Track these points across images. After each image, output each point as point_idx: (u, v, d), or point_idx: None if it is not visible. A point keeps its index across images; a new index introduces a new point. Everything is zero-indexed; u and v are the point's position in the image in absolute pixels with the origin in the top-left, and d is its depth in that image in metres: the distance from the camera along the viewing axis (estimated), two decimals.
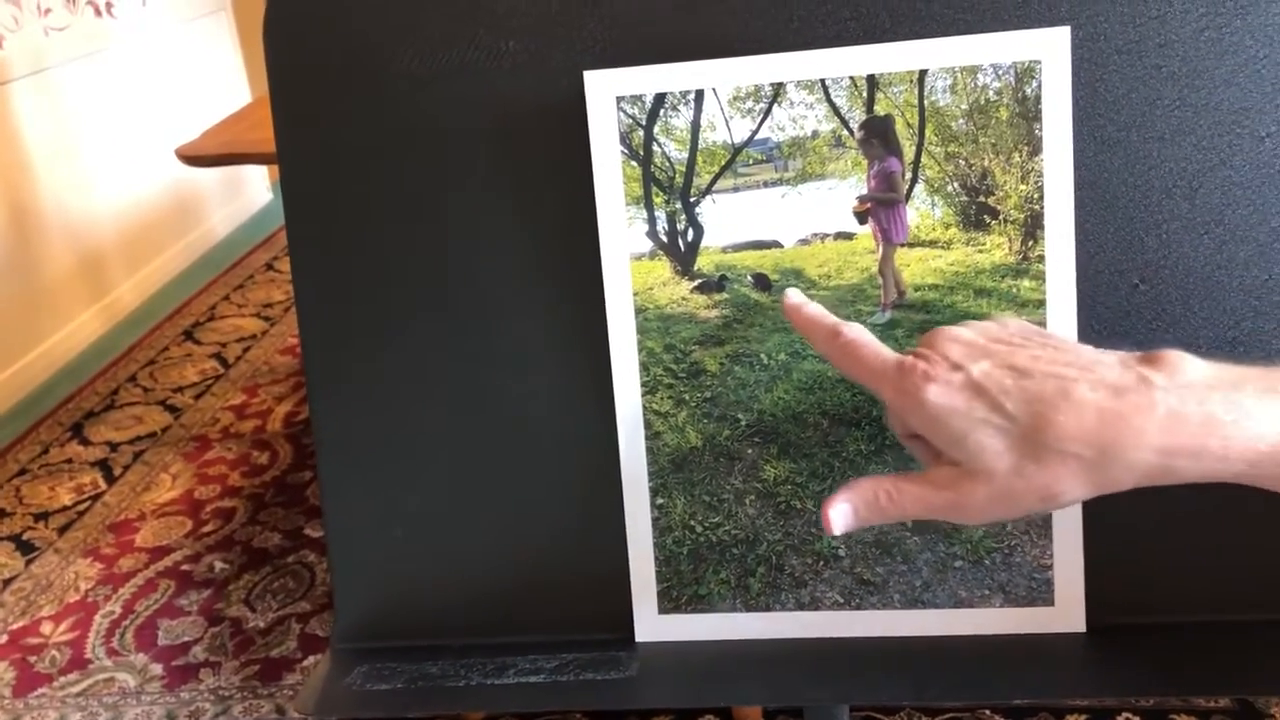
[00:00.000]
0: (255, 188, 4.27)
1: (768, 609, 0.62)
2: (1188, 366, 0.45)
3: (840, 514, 0.50)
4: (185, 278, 3.62)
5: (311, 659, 1.78)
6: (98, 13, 3.35)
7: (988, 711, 1.48)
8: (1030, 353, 0.47)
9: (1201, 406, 0.43)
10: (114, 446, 2.56)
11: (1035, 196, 0.58)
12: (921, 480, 0.49)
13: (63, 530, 2.23)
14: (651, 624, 0.63)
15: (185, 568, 2.06)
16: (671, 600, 0.63)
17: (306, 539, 2.09)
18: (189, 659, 1.82)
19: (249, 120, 2.11)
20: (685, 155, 0.60)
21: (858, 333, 0.52)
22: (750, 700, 0.67)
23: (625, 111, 0.59)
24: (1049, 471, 0.45)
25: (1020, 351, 0.48)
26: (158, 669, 1.80)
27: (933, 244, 0.59)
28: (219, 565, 2.05)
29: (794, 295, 0.56)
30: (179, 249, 3.70)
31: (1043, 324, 0.58)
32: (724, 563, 0.62)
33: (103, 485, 2.39)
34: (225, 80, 4.08)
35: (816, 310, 0.55)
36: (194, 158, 1.91)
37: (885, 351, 0.51)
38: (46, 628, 1.94)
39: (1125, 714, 1.47)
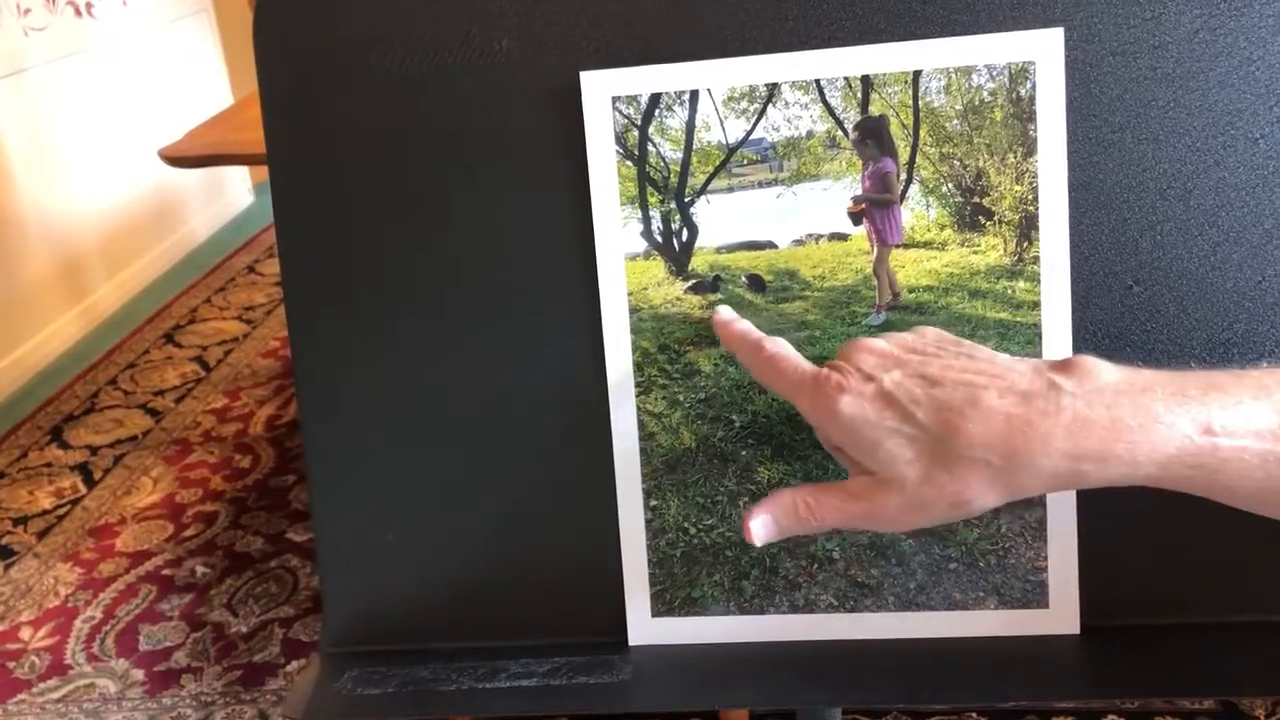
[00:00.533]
0: (236, 190, 4.25)
1: (761, 612, 0.62)
2: (1099, 372, 0.45)
3: (761, 524, 0.51)
4: (166, 280, 3.60)
5: (295, 664, 1.77)
6: (78, 13, 3.32)
7: (975, 714, 1.48)
8: (943, 362, 0.48)
9: (1109, 411, 0.44)
10: (94, 450, 2.54)
11: (1030, 198, 0.58)
12: (838, 490, 0.50)
13: (42, 535, 2.21)
14: (644, 627, 0.63)
15: (166, 572, 2.04)
16: (665, 603, 0.62)
17: (289, 543, 2.08)
18: (170, 664, 1.80)
19: (233, 121, 2.10)
20: (680, 155, 0.60)
21: (779, 347, 0.54)
22: (745, 703, 0.67)
23: (621, 111, 0.59)
24: (958, 479, 0.46)
25: (934, 361, 0.48)
26: (139, 675, 1.79)
27: (927, 245, 0.59)
28: (201, 570, 2.04)
29: (724, 311, 0.59)
30: (159, 251, 3.68)
31: (1037, 326, 0.58)
32: (717, 565, 0.62)
33: (83, 489, 2.37)
34: (207, 82, 4.06)
35: (743, 326, 0.57)
36: (177, 159, 1.90)
37: (803, 364, 0.52)
38: (25, 633, 1.92)
39: (1111, 716, 1.48)
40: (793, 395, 0.52)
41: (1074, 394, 0.45)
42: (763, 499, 0.52)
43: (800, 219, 0.60)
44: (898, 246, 0.59)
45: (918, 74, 0.57)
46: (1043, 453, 0.44)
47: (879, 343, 0.51)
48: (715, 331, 0.58)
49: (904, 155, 0.58)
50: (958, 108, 0.57)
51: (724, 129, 0.59)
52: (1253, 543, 0.59)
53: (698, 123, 0.59)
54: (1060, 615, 0.59)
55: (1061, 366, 0.46)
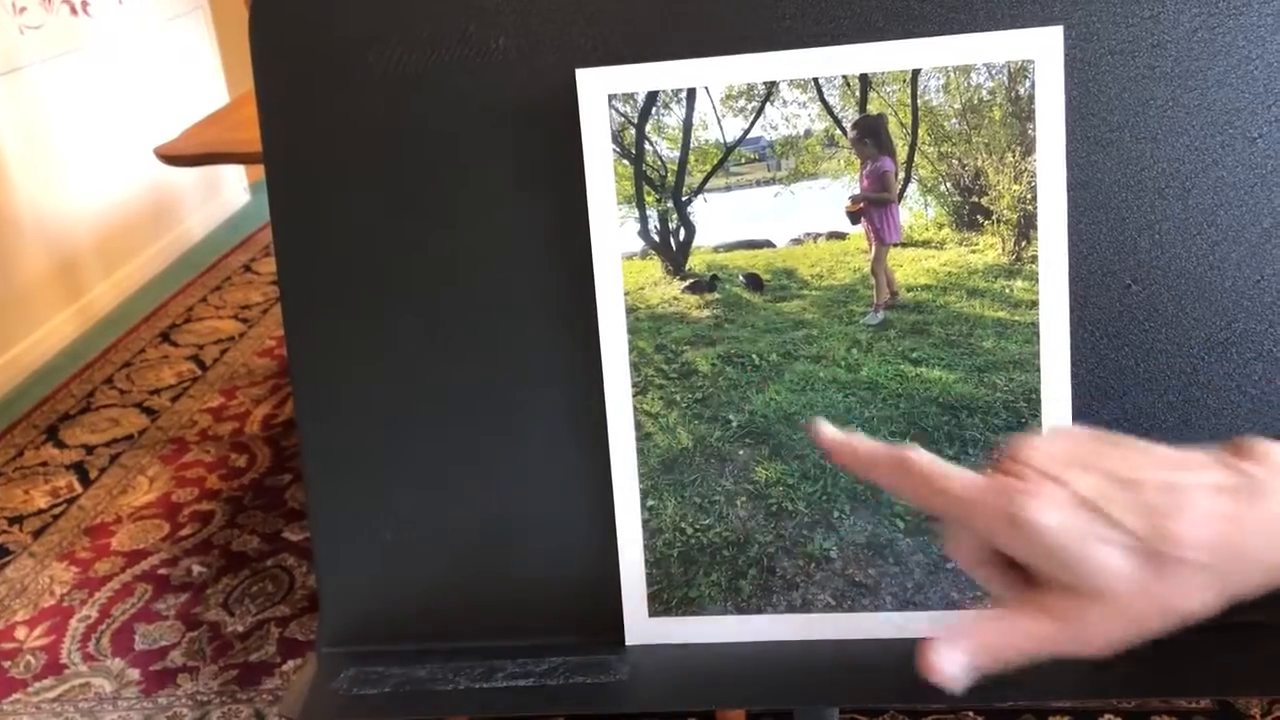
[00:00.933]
0: (233, 189, 4.24)
1: (759, 611, 0.62)
2: (1276, 454, 0.42)
3: (952, 663, 0.45)
4: (162, 279, 3.59)
5: (291, 663, 1.76)
6: (73, 11, 3.32)
7: (970, 713, 1.48)
8: (1127, 460, 0.44)
9: None
10: (90, 449, 2.53)
11: (1028, 197, 0.57)
12: (1033, 613, 0.44)
13: (38, 534, 2.21)
14: (642, 627, 0.63)
15: (162, 571, 2.04)
16: (662, 603, 0.62)
17: (285, 542, 2.07)
18: (166, 664, 1.80)
19: (229, 120, 2.10)
20: (677, 154, 0.59)
21: (929, 458, 0.46)
22: (742, 703, 0.66)
23: (617, 110, 0.59)
24: (1175, 587, 0.42)
25: (1113, 459, 0.44)
26: (134, 674, 1.78)
27: (926, 244, 0.59)
28: (197, 569, 2.03)
29: (827, 431, 0.49)
30: (156, 250, 3.67)
31: (1035, 325, 0.58)
32: (715, 565, 0.62)
33: (78, 488, 2.36)
34: (203, 80, 4.05)
35: (869, 445, 0.48)
36: (173, 157, 1.90)
37: (968, 473, 0.45)
38: (21, 632, 1.92)
39: (1108, 715, 1.48)
40: (962, 509, 0.45)
41: (1273, 485, 0.41)
42: (948, 635, 0.45)
43: (798, 218, 0.59)
44: (896, 245, 0.59)
45: (916, 73, 0.57)
46: (1262, 548, 0.41)
47: (1047, 443, 0.45)
48: (822, 447, 0.49)
49: (902, 154, 0.58)
50: (956, 106, 0.57)
51: (721, 127, 0.59)
52: None
53: (695, 121, 0.59)
54: None
55: (1241, 453, 0.43)
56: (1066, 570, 0.43)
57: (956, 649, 0.44)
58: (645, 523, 0.62)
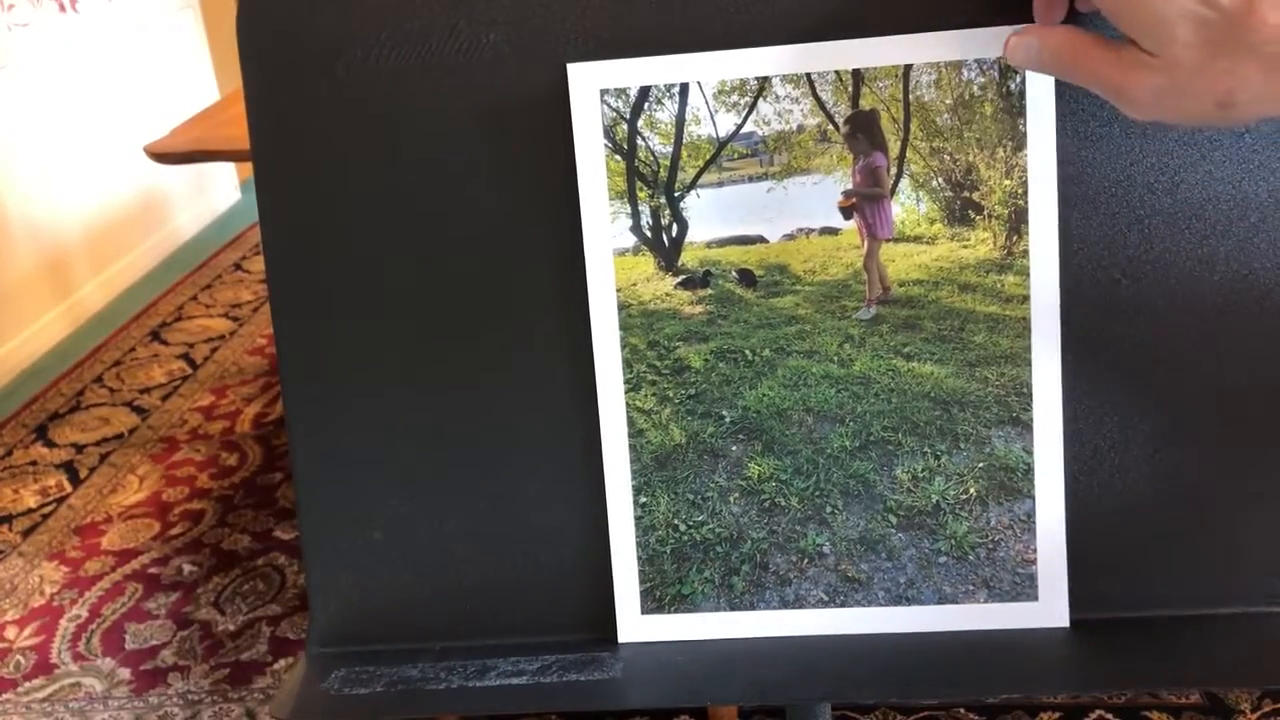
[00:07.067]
0: (223, 187, 4.23)
1: (752, 608, 0.62)
2: None
3: (1024, 47, 0.51)
4: (152, 278, 3.58)
5: (282, 662, 1.76)
6: (61, 9, 3.30)
7: (963, 710, 1.48)
8: None
9: None
10: (80, 448, 2.52)
11: (1019, 192, 0.57)
12: (1107, 52, 0.47)
13: (27, 533, 2.20)
14: (635, 624, 0.63)
15: (153, 571, 2.03)
16: (655, 600, 0.62)
17: (276, 541, 2.07)
18: (157, 663, 1.80)
19: (218, 117, 2.09)
20: (669, 149, 0.59)
21: None
22: (734, 699, 0.66)
23: (609, 105, 0.59)
24: (1237, 73, 0.42)
25: None
26: (125, 673, 1.78)
27: (917, 239, 0.59)
28: (187, 568, 2.03)
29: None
30: (145, 249, 3.66)
31: (1026, 320, 0.58)
32: (708, 561, 0.62)
33: (68, 487, 2.36)
34: (193, 78, 4.04)
35: None
36: (163, 154, 1.89)
37: None
38: (10, 632, 1.91)
39: (1099, 711, 1.48)
40: None
41: None
42: (1036, 26, 0.51)
43: (791, 213, 0.59)
44: (888, 241, 0.59)
45: (908, 68, 0.57)
46: None
47: None
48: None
49: (894, 149, 0.58)
50: (948, 102, 0.57)
51: (714, 122, 0.59)
52: (1236, 537, 0.59)
53: (688, 116, 0.59)
54: (1049, 608, 0.59)
55: None
56: (1142, 32, 0.44)
57: (1035, 35, 0.50)
58: (638, 520, 0.62)
